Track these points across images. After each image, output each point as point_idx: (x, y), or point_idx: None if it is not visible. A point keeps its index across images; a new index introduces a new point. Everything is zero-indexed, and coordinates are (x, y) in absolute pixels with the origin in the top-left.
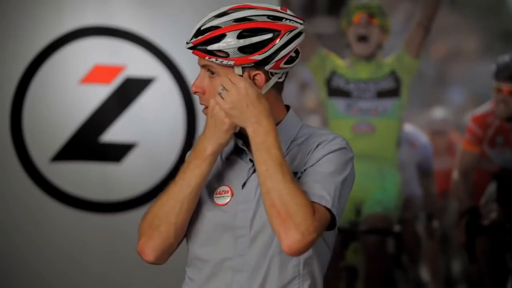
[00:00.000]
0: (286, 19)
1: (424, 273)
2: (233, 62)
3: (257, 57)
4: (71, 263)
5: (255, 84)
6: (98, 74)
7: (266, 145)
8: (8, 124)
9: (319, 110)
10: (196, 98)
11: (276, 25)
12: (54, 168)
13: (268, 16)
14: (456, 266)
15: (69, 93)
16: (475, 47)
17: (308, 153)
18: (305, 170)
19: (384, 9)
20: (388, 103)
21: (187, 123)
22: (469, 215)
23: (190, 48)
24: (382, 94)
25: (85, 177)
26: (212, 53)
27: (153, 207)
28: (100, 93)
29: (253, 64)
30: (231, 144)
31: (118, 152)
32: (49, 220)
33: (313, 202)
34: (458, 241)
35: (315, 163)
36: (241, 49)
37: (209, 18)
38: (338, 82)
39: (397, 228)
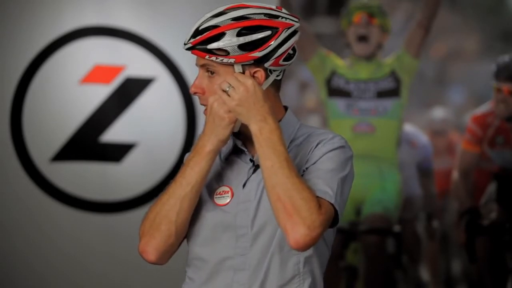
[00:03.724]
0: (282, 17)
1: (424, 273)
2: (234, 60)
3: (257, 54)
4: (71, 263)
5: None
6: (98, 74)
7: (271, 142)
8: (8, 124)
9: (319, 110)
10: (196, 98)
11: (274, 22)
12: (54, 168)
13: (265, 14)
14: (456, 266)
15: (69, 93)
16: (475, 47)
17: (309, 152)
18: (306, 168)
19: (384, 9)
20: (388, 103)
21: (187, 123)
22: (469, 215)
23: (188, 48)
24: (382, 94)
25: (85, 177)
26: (211, 52)
27: (154, 207)
28: (100, 93)
29: (252, 62)
30: (229, 145)
31: (118, 152)
32: (49, 220)
33: (317, 197)
34: (458, 241)
35: (316, 161)
36: (241, 47)
37: (207, 18)
38: (338, 82)
39: (397, 228)
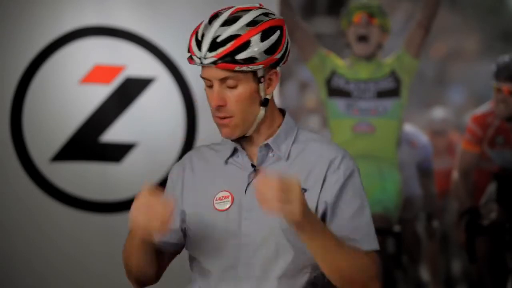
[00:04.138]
0: (270, 13)
1: (424, 273)
2: (262, 65)
3: (278, 55)
4: (71, 263)
5: (271, 83)
6: (98, 74)
7: (323, 241)
8: (8, 124)
9: (319, 110)
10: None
11: (276, 21)
12: (54, 168)
13: (264, 14)
14: (456, 266)
15: (69, 93)
16: (475, 47)
17: (321, 174)
18: (331, 203)
19: (384, 9)
20: (388, 103)
21: (187, 123)
22: (469, 215)
23: (212, 62)
24: (382, 94)
25: (85, 177)
26: (240, 62)
27: (124, 246)
28: (100, 93)
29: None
30: (229, 147)
31: (118, 152)
32: (49, 220)
33: (366, 251)
34: (458, 241)
35: (338, 195)
36: (266, 51)
37: (218, 29)
38: (338, 82)
39: (397, 228)
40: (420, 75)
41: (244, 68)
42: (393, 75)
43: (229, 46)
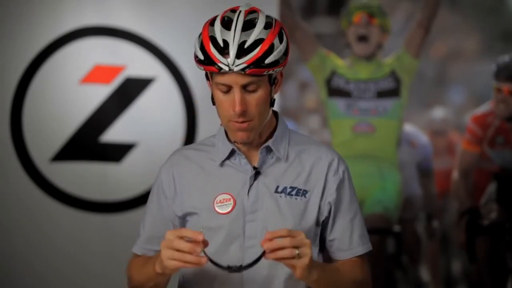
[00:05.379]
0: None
1: (424, 273)
2: (282, 67)
3: (289, 54)
4: (71, 263)
5: (277, 82)
6: (98, 74)
7: (326, 280)
8: (8, 124)
9: (319, 110)
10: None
11: (278, 21)
12: (54, 168)
13: (264, 14)
14: (456, 266)
15: (69, 93)
16: (475, 47)
17: (320, 176)
18: (333, 206)
19: (384, 9)
20: (388, 103)
21: (187, 123)
22: (469, 215)
23: (242, 69)
24: (382, 94)
25: (85, 177)
26: (268, 66)
27: (129, 268)
28: (100, 93)
29: None
30: (226, 149)
31: (118, 152)
32: (49, 220)
33: (361, 255)
34: (458, 241)
35: (340, 197)
36: (285, 53)
37: (240, 34)
38: (338, 82)
39: (397, 228)
40: (420, 75)
41: (271, 72)
42: (393, 75)
43: (257, 51)
